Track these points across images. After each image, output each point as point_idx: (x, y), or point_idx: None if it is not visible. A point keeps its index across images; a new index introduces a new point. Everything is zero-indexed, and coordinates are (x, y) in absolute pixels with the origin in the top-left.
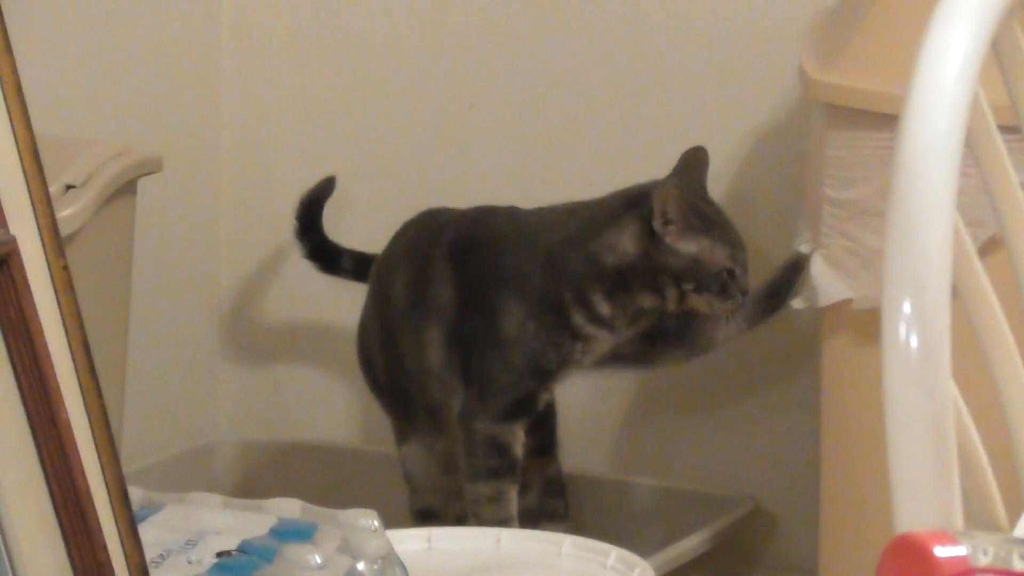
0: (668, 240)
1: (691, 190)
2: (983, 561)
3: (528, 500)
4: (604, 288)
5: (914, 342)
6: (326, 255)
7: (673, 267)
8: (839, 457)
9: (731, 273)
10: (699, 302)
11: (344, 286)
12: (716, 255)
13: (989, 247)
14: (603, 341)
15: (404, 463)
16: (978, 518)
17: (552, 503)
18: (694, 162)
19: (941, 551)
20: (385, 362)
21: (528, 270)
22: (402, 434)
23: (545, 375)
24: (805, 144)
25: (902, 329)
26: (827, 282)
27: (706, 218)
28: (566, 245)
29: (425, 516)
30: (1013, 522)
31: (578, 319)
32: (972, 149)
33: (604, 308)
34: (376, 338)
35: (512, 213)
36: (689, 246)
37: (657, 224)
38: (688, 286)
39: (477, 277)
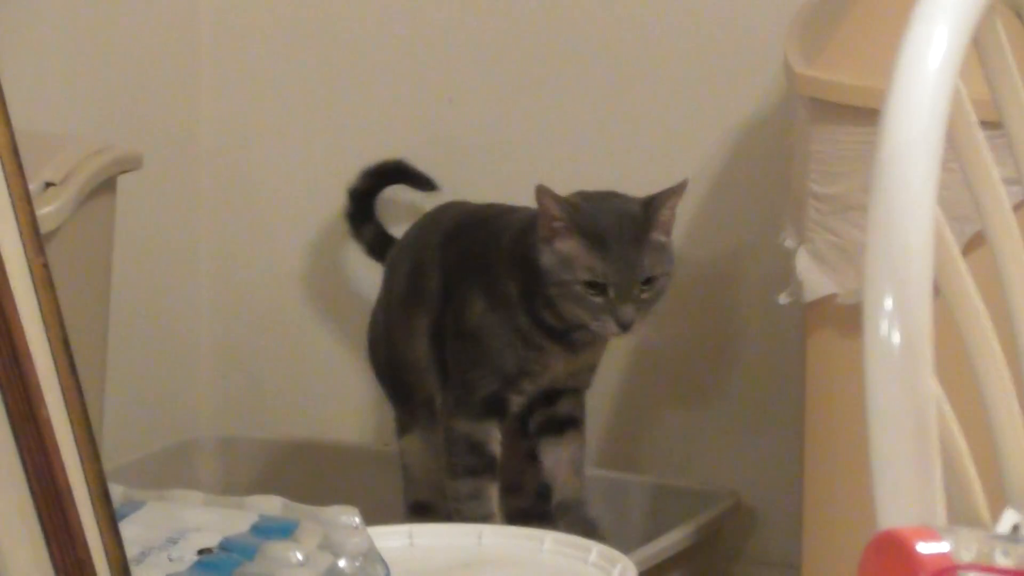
0: (556, 241)
1: (600, 200)
2: (966, 557)
3: (521, 501)
4: (542, 295)
5: (896, 338)
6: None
7: (546, 265)
8: (823, 452)
9: (601, 289)
10: (570, 312)
11: (324, 282)
12: (583, 260)
13: (972, 244)
14: (556, 356)
15: (403, 455)
16: (961, 514)
17: (545, 506)
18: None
19: (924, 547)
20: (387, 352)
21: (490, 264)
22: (403, 426)
23: (505, 377)
24: (789, 139)
25: (884, 325)
26: (811, 277)
27: (596, 227)
28: (514, 244)
29: (419, 509)
30: (996, 518)
31: (524, 322)
32: (954, 145)
33: (548, 315)
34: (382, 328)
35: (506, 209)
36: (565, 244)
37: (542, 225)
38: (554, 290)
39: (454, 268)
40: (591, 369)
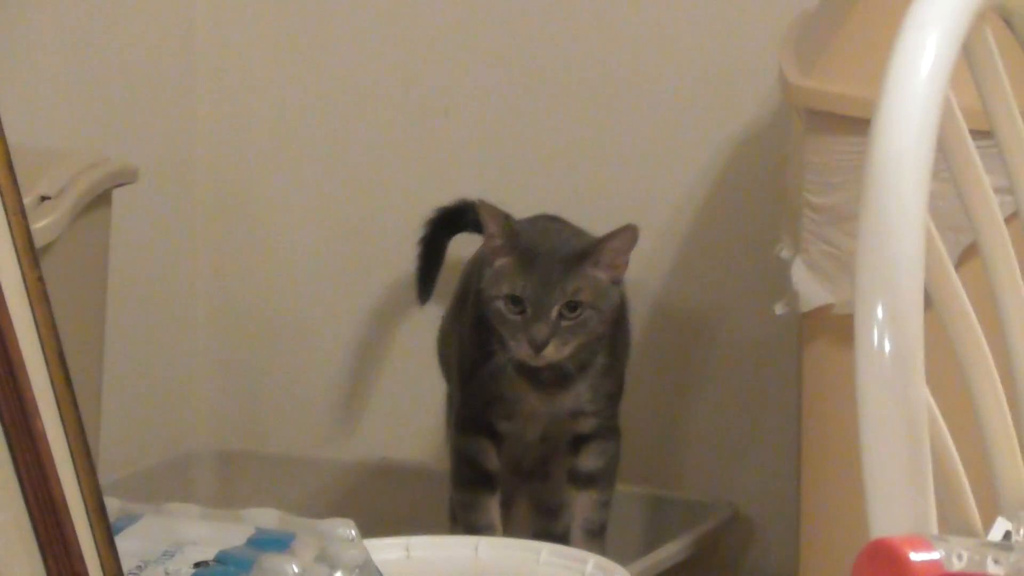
0: (496, 259)
1: (549, 226)
2: (957, 565)
3: (553, 525)
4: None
5: (887, 347)
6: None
7: (484, 283)
8: (819, 463)
9: (520, 306)
10: (498, 332)
11: (321, 295)
12: (508, 275)
13: (968, 253)
14: (525, 389)
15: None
16: (952, 523)
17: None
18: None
19: (915, 556)
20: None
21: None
22: None
23: (483, 397)
24: (785, 149)
25: (875, 334)
26: (807, 287)
27: (528, 245)
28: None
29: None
30: (987, 526)
31: (496, 348)
32: (945, 154)
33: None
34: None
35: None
36: (500, 261)
37: (485, 243)
38: (488, 308)
39: (476, 280)
40: (588, 413)
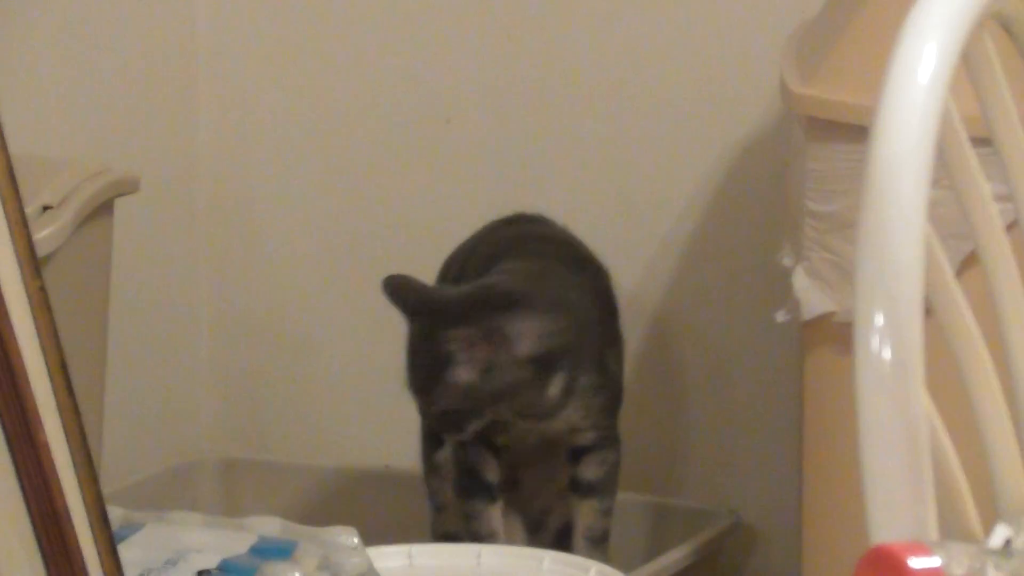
0: None
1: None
2: (957, 572)
3: (541, 541)
4: None
5: (887, 354)
6: None
7: None
8: (821, 470)
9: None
10: None
11: (324, 302)
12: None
13: (969, 261)
14: (515, 422)
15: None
16: (952, 529)
17: (566, 548)
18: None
19: (915, 562)
20: None
21: None
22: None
23: None
24: (786, 157)
25: (875, 341)
26: (809, 295)
27: (413, 333)
28: None
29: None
30: (987, 533)
31: None
32: (944, 161)
33: None
34: None
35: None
36: None
37: None
38: None
39: None
40: (584, 429)
